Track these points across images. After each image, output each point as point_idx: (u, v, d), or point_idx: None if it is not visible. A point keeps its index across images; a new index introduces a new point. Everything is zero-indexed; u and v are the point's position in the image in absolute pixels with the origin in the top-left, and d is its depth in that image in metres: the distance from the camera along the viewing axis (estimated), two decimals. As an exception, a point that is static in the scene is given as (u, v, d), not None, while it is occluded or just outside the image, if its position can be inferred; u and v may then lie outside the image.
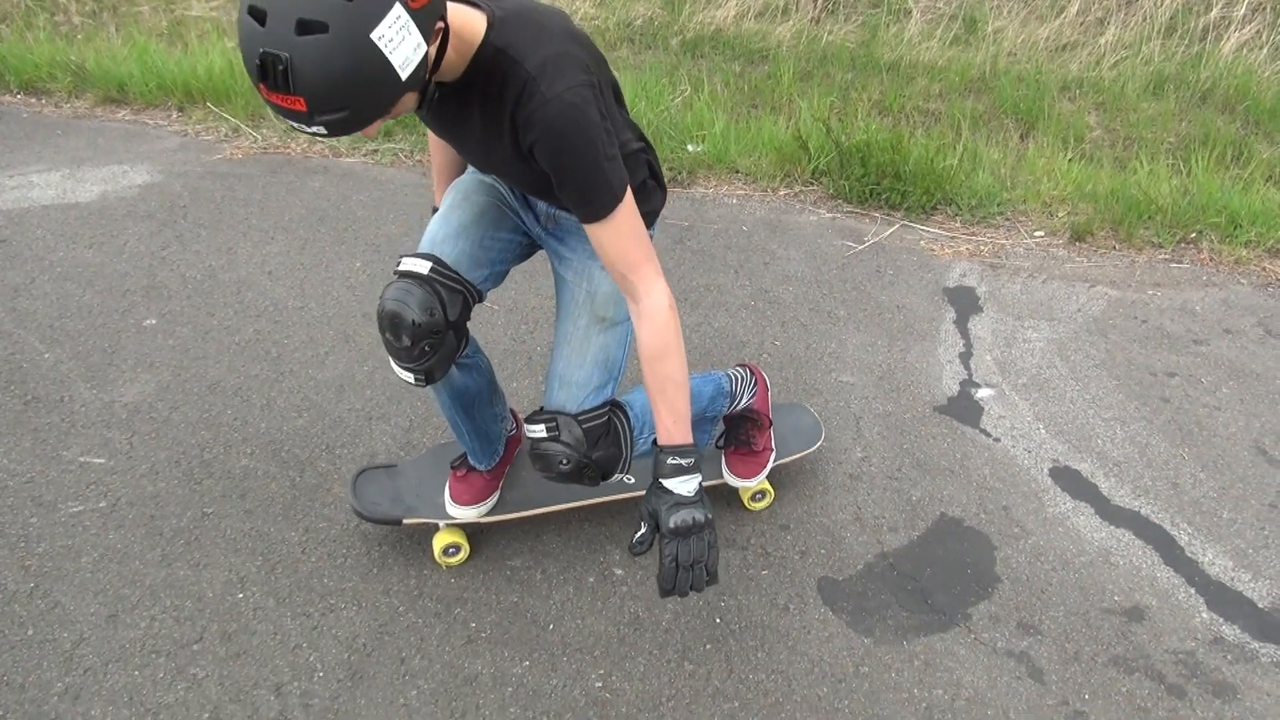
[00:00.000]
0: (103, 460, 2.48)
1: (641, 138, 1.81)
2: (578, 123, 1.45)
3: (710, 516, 1.63)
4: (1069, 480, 2.50)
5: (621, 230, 1.55)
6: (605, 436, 1.80)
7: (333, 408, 2.67)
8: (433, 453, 2.34)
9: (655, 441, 1.66)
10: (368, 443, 2.55)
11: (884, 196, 3.83)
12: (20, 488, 2.38)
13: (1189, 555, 2.28)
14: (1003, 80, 4.91)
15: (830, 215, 3.81)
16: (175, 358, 2.87)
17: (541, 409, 1.82)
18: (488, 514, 2.15)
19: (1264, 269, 3.55)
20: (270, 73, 1.20)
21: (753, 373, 2.24)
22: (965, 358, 2.98)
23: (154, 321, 3.05)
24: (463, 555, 2.17)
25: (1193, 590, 2.19)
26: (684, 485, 1.61)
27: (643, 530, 1.64)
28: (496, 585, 2.14)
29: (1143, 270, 3.53)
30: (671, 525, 1.58)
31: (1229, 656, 2.02)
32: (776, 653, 2.00)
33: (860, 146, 3.86)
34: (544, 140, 1.48)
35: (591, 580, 2.15)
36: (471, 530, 2.21)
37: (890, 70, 5.16)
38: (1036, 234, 3.73)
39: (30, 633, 2.00)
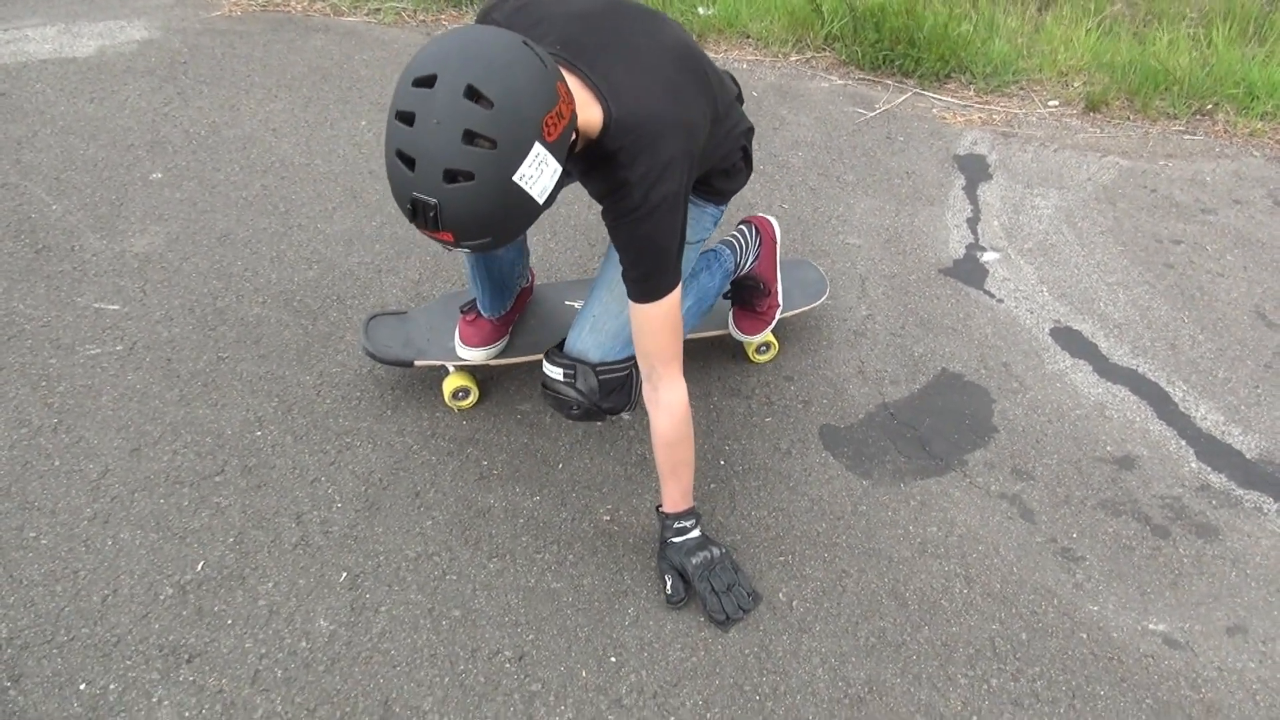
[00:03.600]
0: (116, 307, 2.51)
1: (743, 120, 1.86)
2: (661, 227, 1.52)
3: (724, 548, 1.84)
4: (1069, 339, 2.54)
5: (663, 319, 1.61)
6: (620, 389, 1.83)
7: (342, 260, 2.69)
8: (443, 300, 2.37)
9: (659, 509, 1.86)
10: (378, 294, 2.58)
11: (897, 64, 3.76)
12: (37, 331, 2.42)
13: (1182, 410, 2.34)
14: (1025, -54, 4.74)
15: (842, 82, 3.75)
16: (183, 210, 2.87)
17: (562, 346, 1.85)
18: (496, 357, 2.20)
19: (1278, 141, 3.51)
20: (420, 213, 1.27)
21: (758, 230, 2.24)
22: (972, 223, 2.98)
23: (160, 175, 3.04)
24: (472, 399, 2.22)
25: (1183, 442, 2.25)
26: (690, 534, 1.82)
27: (669, 582, 1.82)
28: (507, 427, 2.20)
29: (1156, 141, 3.49)
30: (695, 564, 1.79)
31: (1214, 501, 2.10)
32: (778, 492, 2.07)
33: (875, 11, 3.77)
34: (625, 234, 1.55)
35: (599, 425, 2.21)
36: (481, 375, 2.26)
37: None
38: (1051, 103, 3.68)
39: (57, 464, 2.07)
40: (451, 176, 1.25)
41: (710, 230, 1.98)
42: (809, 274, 2.49)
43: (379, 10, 4.13)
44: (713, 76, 1.67)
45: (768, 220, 2.28)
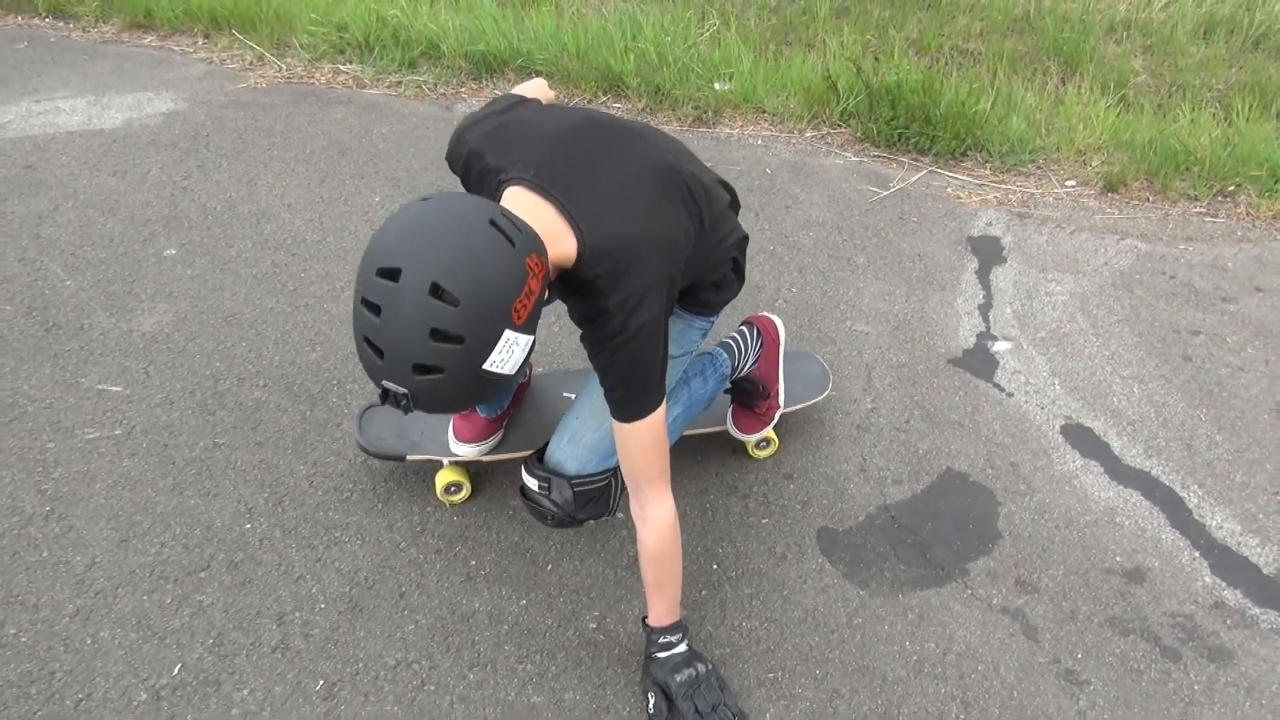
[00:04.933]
0: (119, 388, 2.52)
1: (736, 231, 1.83)
2: (641, 352, 1.51)
3: (710, 665, 1.78)
4: (1080, 438, 2.47)
5: (645, 439, 1.59)
6: (596, 500, 1.80)
7: (346, 342, 2.69)
8: (439, 391, 2.35)
9: (645, 620, 1.80)
10: (378, 379, 2.57)
11: (913, 141, 3.74)
12: (39, 413, 2.43)
13: (1196, 518, 2.25)
14: (1047, 20, 4.74)
15: (856, 159, 3.74)
16: (193, 288, 2.90)
17: (541, 457, 1.83)
18: (490, 452, 2.17)
19: (1303, 225, 3.44)
20: (391, 398, 1.28)
21: (759, 331, 2.21)
22: (984, 309, 2.93)
23: (174, 251, 3.07)
24: (464, 494, 2.20)
25: (1197, 553, 2.16)
26: (675, 649, 1.76)
27: (652, 700, 1.75)
28: (498, 524, 2.16)
29: (1176, 224, 3.43)
30: (679, 681, 1.73)
31: (1228, 621, 2.01)
32: (771, 601, 2.02)
33: (891, 88, 3.76)
34: (605, 360, 1.53)
35: (591, 523, 2.16)
36: (474, 469, 2.23)
37: (930, 7, 4.99)
38: (1068, 183, 3.64)
39: (45, 555, 2.06)
40: (421, 369, 1.24)
41: (698, 342, 1.95)
42: (812, 367, 2.45)
43: (400, 84, 4.19)
44: (698, 190, 1.64)
45: (771, 321, 2.25)
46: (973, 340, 2.81)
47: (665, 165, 1.60)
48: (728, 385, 2.16)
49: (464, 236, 1.25)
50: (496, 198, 1.52)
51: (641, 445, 1.58)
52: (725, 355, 2.12)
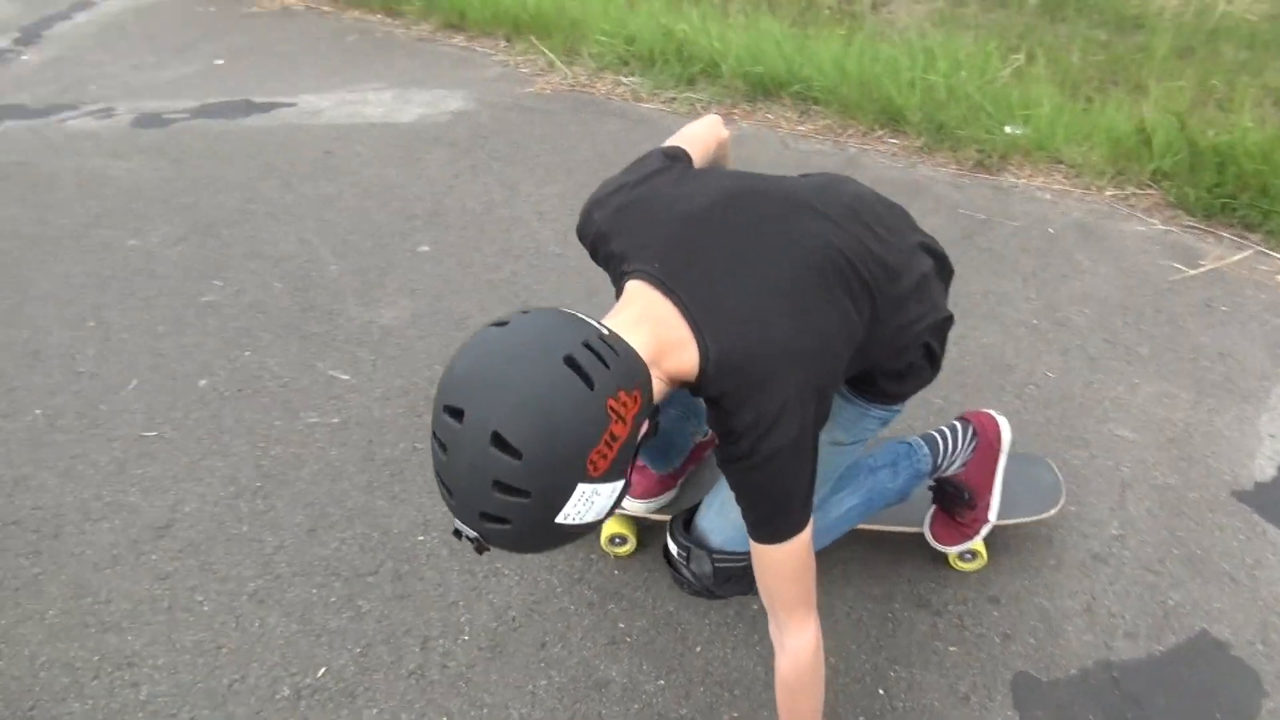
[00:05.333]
0: (347, 377, 2.66)
1: (932, 313, 1.55)
2: (776, 479, 1.31)
3: None
4: (1397, 625, 1.94)
5: (783, 566, 1.38)
6: (737, 579, 1.61)
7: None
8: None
9: None
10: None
11: (1240, 213, 3.17)
12: (276, 390, 2.62)
13: None
14: None
15: (1163, 227, 3.22)
16: (435, 286, 3.02)
17: (688, 524, 1.68)
18: (659, 510, 2.05)
19: None
20: (466, 537, 1.17)
21: (976, 432, 1.91)
22: (1295, 434, 2.41)
23: (427, 248, 3.22)
24: (629, 547, 2.09)
25: None
26: None
27: None
28: (656, 588, 2.04)
29: None
30: None
31: None
32: (940, 748, 1.74)
33: (1220, 149, 3.21)
34: (735, 479, 1.36)
35: (755, 609, 1.98)
36: (643, 524, 2.12)
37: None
38: None
39: (244, 529, 2.20)
40: (488, 518, 1.11)
41: (875, 431, 1.69)
42: (1043, 475, 2.11)
43: (675, 100, 4.16)
44: (872, 272, 1.37)
45: (994, 421, 1.94)
46: (1272, 472, 2.31)
47: (824, 248, 1.34)
48: (928, 483, 1.90)
49: (533, 377, 1.09)
50: (618, 291, 1.37)
51: (779, 571, 1.38)
52: (926, 450, 1.85)
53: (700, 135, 1.73)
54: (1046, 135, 3.54)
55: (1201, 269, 3.02)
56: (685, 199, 1.41)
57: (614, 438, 1.12)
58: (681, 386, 1.31)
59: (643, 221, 1.40)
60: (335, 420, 2.51)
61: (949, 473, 1.90)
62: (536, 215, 3.39)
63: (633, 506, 2.03)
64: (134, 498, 2.29)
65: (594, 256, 1.52)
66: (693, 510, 1.70)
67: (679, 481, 2.08)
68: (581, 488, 1.12)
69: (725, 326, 1.26)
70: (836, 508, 1.71)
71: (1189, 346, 2.71)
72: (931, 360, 1.60)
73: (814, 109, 3.98)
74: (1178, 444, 2.38)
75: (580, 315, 1.19)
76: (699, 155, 1.67)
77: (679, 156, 1.59)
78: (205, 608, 2.02)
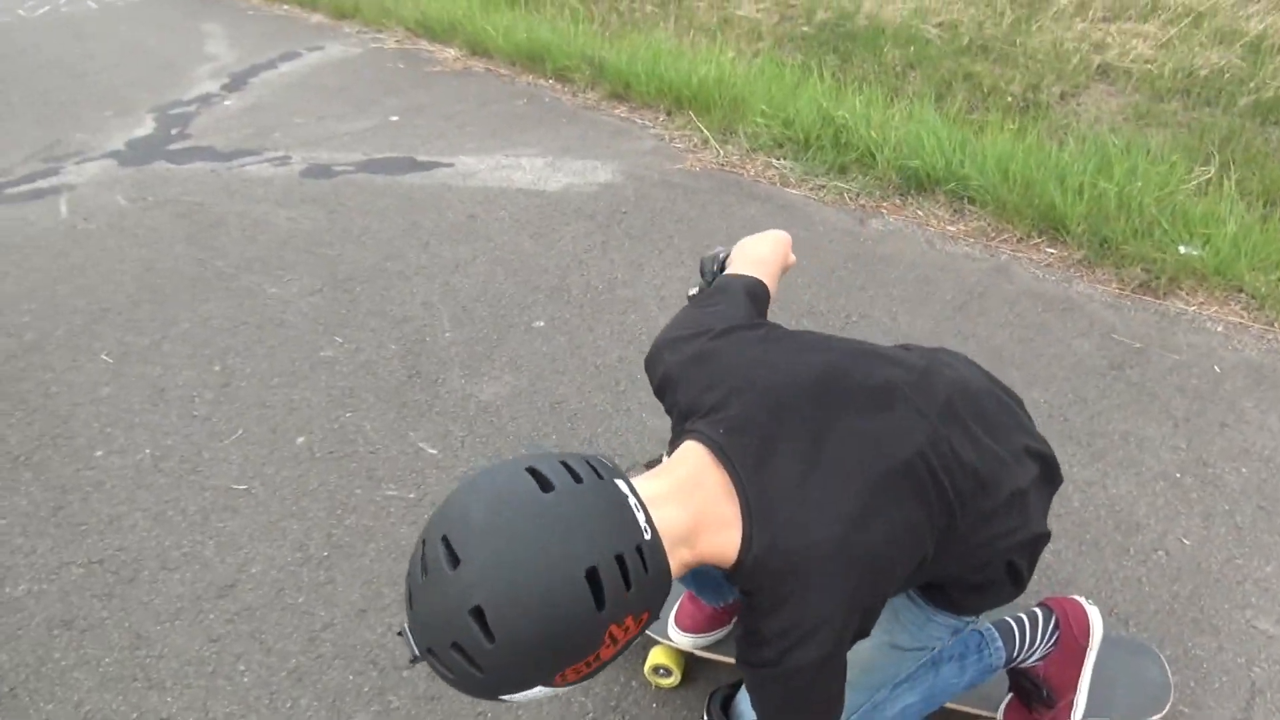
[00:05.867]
0: (435, 451, 2.65)
1: (1025, 528, 1.33)
2: (795, 694, 1.17)
3: None
4: None
5: None
6: None
7: (639, 456, 2.57)
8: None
9: None
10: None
11: None
12: (365, 455, 2.64)
13: None
14: None
15: (1359, 382, 2.79)
16: (541, 365, 2.99)
17: (727, 701, 1.60)
18: (709, 646, 1.90)
19: None
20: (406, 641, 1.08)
21: (1058, 623, 1.66)
22: None
23: (542, 324, 3.20)
24: (673, 680, 1.95)
25: None
26: None
27: None
28: (693, 733, 1.88)
29: None
30: None
31: None
32: None
33: None
34: (751, 680, 1.23)
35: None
36: (689, 657, 1.97)
37: None
38: None
39: (300, 600, 2.21)
40: (434, 656, 1.01)
41: (940, 641, 1.49)
42: (1149, 669, 1.81)
43: (824, 188, 4.02)
44: (957, 481, 1.19)
45: (1082, 610, 1.67)
46: None
47: (908, 454, 1.18)
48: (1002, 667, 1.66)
49: (545, 577, 0.97)
50: (673, 443, 1.25)
51: None
52: (1000, 644, 1.61)
53: (771, 259, 1.61)
54: (1228, 259, 3.16)
55: (1404, 436, 2.58)
56: (769, 368, 1.27)
57: (598, 659, 1.02)
58: (714, 567, 1.17)
59: (717, 380, 1.26)
60: (412, 495, 2.50)
61: (1026, 664, 1.65)
62: (657, 299, 3.31)
63: (680, 640, 1.90)
64: (209, 551, 2.35)
65: (658, 395, 1.41)
66: (736, 686, 1.56)
67: (733, 618, 1.92)
68: (539, 689, 1.03)
69: (780, 520, 1.12)
70: (891, 706, 1.51)
71: (1370, 530, 2.31)
72: (1015, 578, 1.37)
73: (969, 209, 3.73)
74: (1338, 651, 2.01)
75: (633, 504, 1.06)
76: (773, 284, 1.57)
77: (760, 297, 1.50)
78: (245, 679, 2.02)
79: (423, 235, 3.82)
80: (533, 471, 1.04)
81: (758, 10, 6.23)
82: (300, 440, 2.71)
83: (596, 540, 1.01)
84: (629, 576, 1.01)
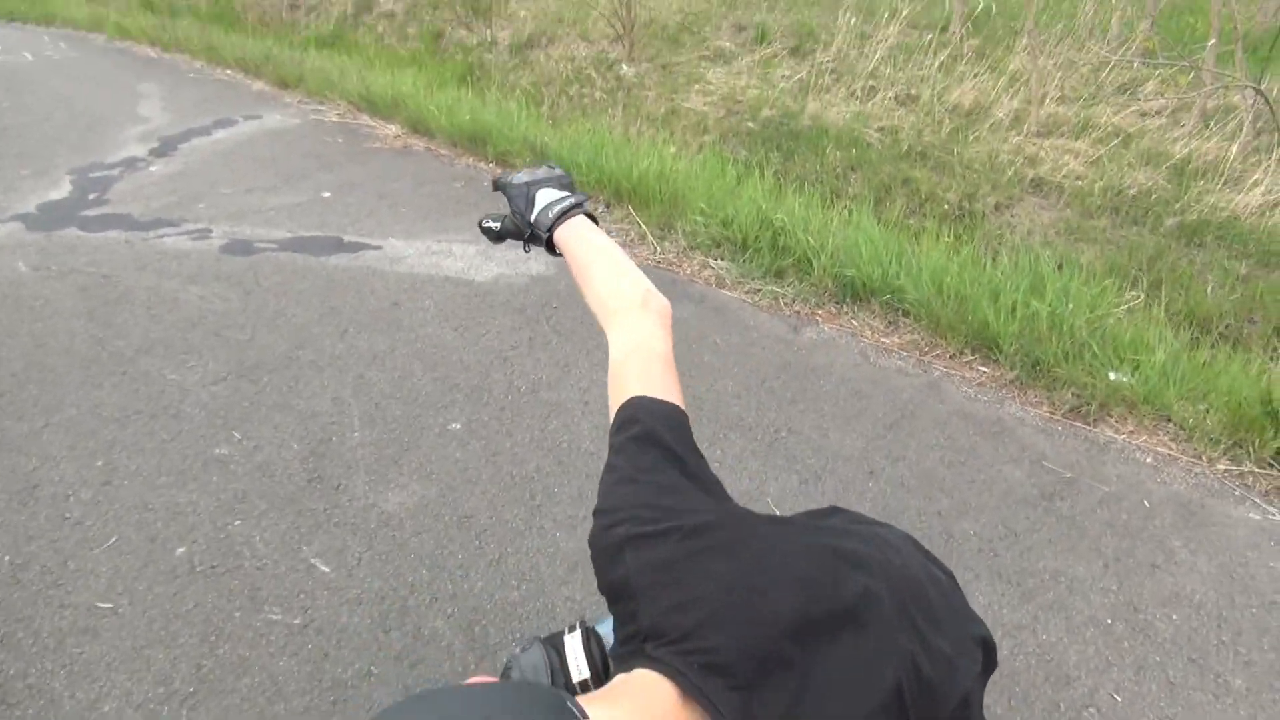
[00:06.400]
0: (328, 569, 2.45)
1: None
2: None
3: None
4: None
5: None
6: None
7: (554, 590, 2.40)
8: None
9: None
10: (560, 650, 2.23)
11: (1389, 519, 2.67)
12: (251, 572, 2.43)
13: None
14: None
15: (1286, 522, 2.75)
16: (451, 473, 2.81)
17: None
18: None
19: None
20: None
21: None
22: None
23: (458, 426, 3.04)
24: None
25: None
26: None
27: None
28: None
29: None
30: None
31: None
32: None
33: (1369, 439, 2.74)
34: None
35: None
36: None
37: None
38: None
39: (157, 746, 1.98)
40: None
41: None
42: None
43: (759, 291, 3.95)
44: (916, 699, 1.07)
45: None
46: None
47: (888, 686, 1.04)
48: None
49: None
50: (623, 664, 1.07)
51: None
52: None
53: (668, 353, 1.36)
54: (1156, 388, 3.13)
55: (1333, 584, 2.53)
56: (745, 595, 1.07)
57: None
58: None
59: (687, 602, 1.04)
60: (297, 620, 2.29)
61: None
62: (582, 403, 3.17)
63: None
64: (59, 683, 2.10)
65: (607, 594, 1.10)
66: None
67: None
68: None
69: None
70: None
71: (1306, 688, 2.22)
72: None
73: (903, 321, 3.68)
74: (1276, 832, 1.90)
75: (573, 709, 0.89)
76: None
77: (689, 437, 1.22)
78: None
79: (341, 322, 3.65)
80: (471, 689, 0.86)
81: (705, 104, 6.26)
82: (180, 551, 2.49)
83: None
84: None
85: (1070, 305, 3.42)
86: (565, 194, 1.45)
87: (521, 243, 1.50)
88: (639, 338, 1.23)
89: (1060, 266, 3.77)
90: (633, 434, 1.14)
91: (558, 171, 1.50)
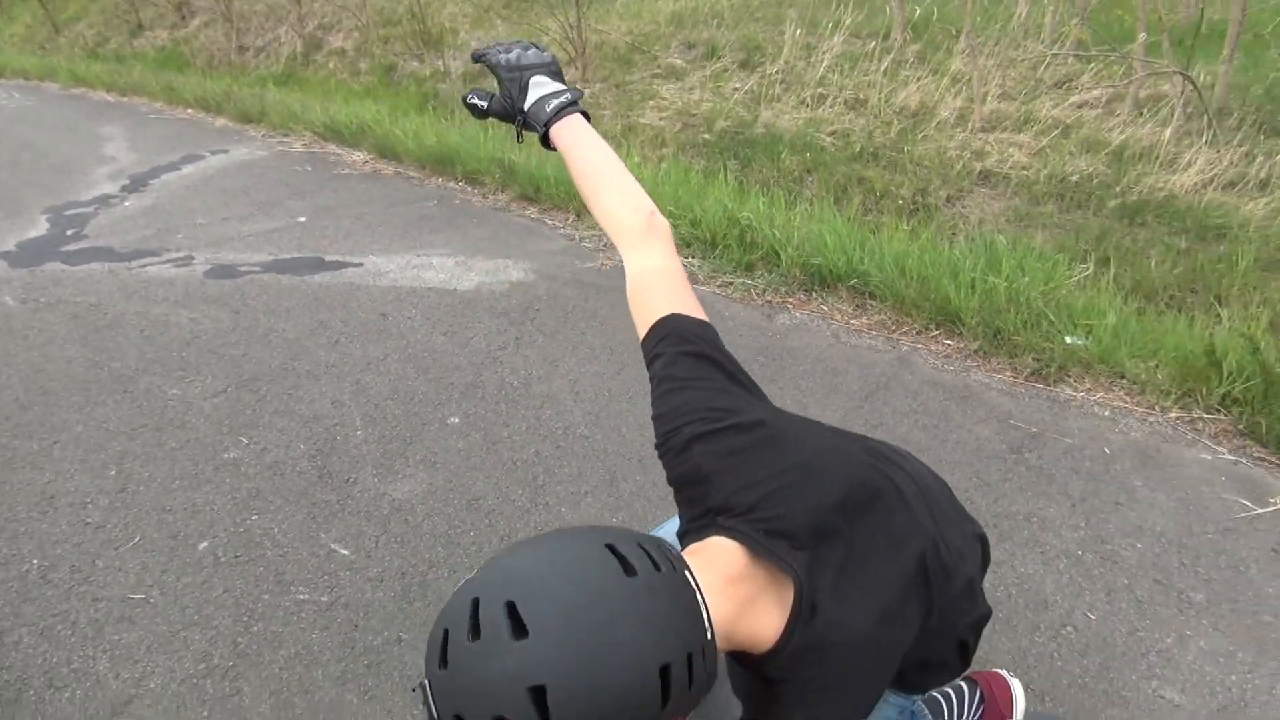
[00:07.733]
0: (347, 552, 2.57)
1: (975, 610, 1.43)
2: None
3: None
4: None
5: None
6: None
7: (564, 557, 2.54)
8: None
9: None
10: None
11: (1323, 449, 2.90)
12: (274, 559, 2.54)
13: None
14: None
15: (1231, 458, 2.97)
16: (455, 462, 2.95)
17: None
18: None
19: None
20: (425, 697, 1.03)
21: (983, 697, 1.70)
22: (1386, 718, 2.08)
23: (457, 420, 3.17)
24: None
25: None
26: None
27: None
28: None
29: None
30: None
31: None
32: None
33: (1303, 378, 2.98)
34: None
35: None
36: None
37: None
38: None
39: (204, 714, 2.08)
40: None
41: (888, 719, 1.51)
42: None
43: (730, 285, 4.14)
44: (938, 577, 1.28)
45: (1005, 683, 1.72)
46: (1352, 762, 1.99)
47: (914, 555, 1.26)
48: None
49: (618, 671, 0.93)
50: (693, 537, 1.21)
51: None
52: (928, 714, 1.64)
53: (685, 279, 1.41)
54: (1109, 348, 3.36)
55: (1271, 507, 2.74)
56: (799, 475, 1.24)
57: None
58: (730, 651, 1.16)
59: (751, 481, 1.21)
60: (324, 599, 2.41)
61: (952, 735, 1.67)
62: (573, 394, 3.33)
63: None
64: (102, 666, 2.20)
65: (677, 485, 1.30)
66: None
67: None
68: None
69: (821, 616, 1.14)
70: None
71: (1251, 597, 2.42)
72: (964, 656, 1.44)
73: (870, 303, 3.90)
74: (1230, 712, 2.08)
75: (700, 600, 1.03)
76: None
77: (739, 375, 1.34)
78: (140, 804, 1.88)
79: (331, 334, 3.77)
80: (613, 550, 1.01)
81: (661, 119, 6.48)
82: (203, 545, 2.59)
83: (674, 636, 0.98)
84: (694, 675, 0.98)
85: (1026, 279, 3.65)
86: (560, 87, 1.44)
87: (513, 126, 1.48)
88: (655, 258, 1.37)
89: (1014, 246, 4.00)
90: (683, 349, 1.31)
91: (547, 56, 1.47)
